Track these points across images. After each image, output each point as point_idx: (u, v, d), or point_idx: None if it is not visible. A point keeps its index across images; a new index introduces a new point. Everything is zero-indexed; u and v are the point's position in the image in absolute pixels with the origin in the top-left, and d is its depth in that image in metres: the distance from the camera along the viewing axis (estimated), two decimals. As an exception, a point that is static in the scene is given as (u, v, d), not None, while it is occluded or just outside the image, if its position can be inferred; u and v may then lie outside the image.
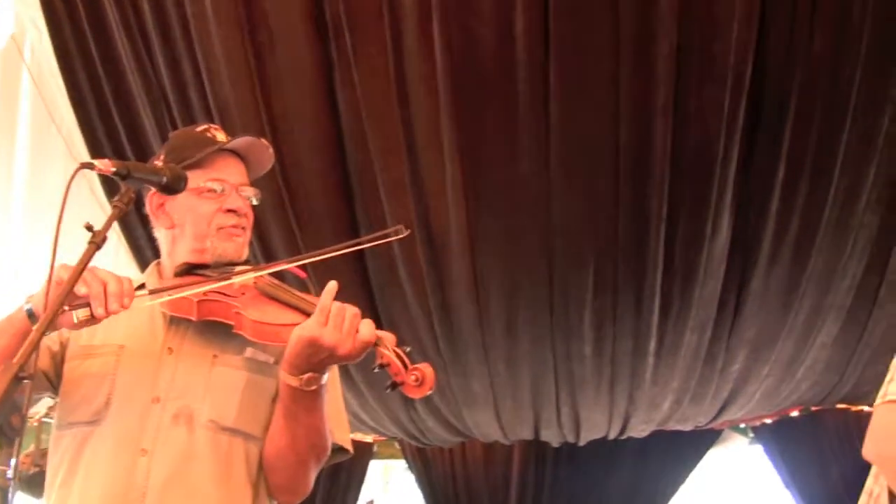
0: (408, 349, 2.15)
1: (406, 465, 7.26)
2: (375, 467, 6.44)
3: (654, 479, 7.19)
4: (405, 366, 2.13)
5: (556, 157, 4.74)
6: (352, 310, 2.14)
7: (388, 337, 2.17)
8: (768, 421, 7.09)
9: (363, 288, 5.30)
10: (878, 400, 3.09)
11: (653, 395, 6.24)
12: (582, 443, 6.79)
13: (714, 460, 7.46)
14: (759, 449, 7.37)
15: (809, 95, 4.66)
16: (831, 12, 4.47)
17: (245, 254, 2.44)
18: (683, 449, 7.24)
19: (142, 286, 2.25)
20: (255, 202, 2.48)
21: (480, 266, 5.13)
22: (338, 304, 2.13)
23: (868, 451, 2.99)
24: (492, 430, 6.50)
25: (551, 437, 6.67)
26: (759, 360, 5.99)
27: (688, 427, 6.95)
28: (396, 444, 7.37)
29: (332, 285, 2.15)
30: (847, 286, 5.56)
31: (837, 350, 5.97)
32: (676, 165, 4.79)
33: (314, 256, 2.40)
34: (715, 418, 6.89)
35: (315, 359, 2.15)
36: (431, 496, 7.16)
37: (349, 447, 2.46)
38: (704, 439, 7.32)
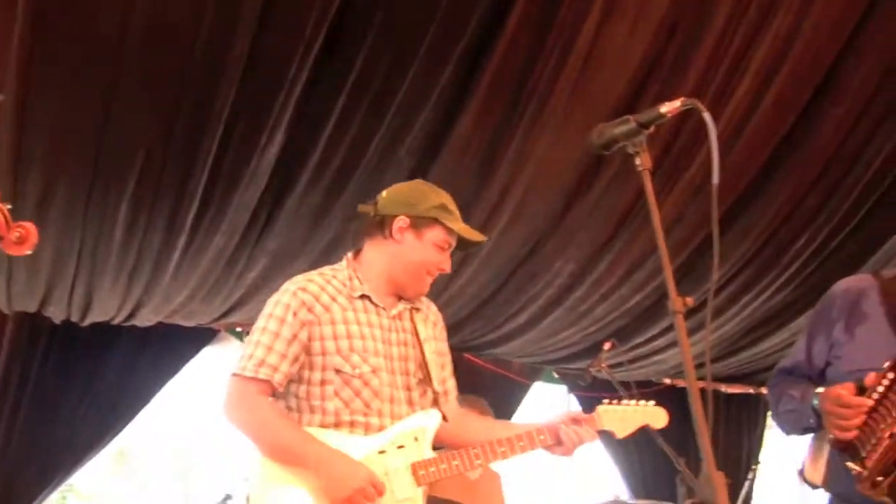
0: (9, 206, 2.11)
1: None
2: None
3: (148, 368, 7.22)
4: (7, 222, 2.09)
5: (132, 42, 4.62)
6: None
7: None
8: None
9: None
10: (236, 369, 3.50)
11: (170, 290, 6.31)
12: (85, 324, 6.70)
13: (207, 358, 7.63)
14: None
15: (387, 34, 4.90)
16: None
17: None
18: (181, 343, 7.36)
19: None
20: None
21: (27, 137, 4.90)
22: None
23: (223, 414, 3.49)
24: (-4, 297, 6.26)
25: (56, 313, 6.53)
26: (275, 270, 6.24)
27: (191, 323, 7.09)
28: None
29: None
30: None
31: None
32: (248, 73, 4.84)
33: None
34: (218, 319, 7.09)
35: None
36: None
37: None
38: (202, 337, 7.48)
